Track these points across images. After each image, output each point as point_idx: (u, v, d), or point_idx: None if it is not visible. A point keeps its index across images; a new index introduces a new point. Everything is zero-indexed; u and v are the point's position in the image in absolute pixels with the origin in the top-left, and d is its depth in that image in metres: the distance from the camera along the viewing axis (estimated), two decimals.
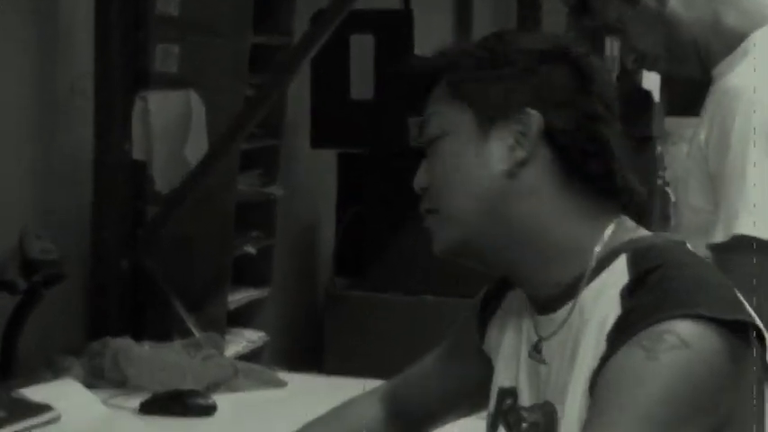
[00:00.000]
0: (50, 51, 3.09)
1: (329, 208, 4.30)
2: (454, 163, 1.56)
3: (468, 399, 1.75)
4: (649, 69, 2.35)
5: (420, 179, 1.60)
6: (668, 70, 2.22)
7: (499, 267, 1.60)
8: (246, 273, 3.63)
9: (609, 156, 1.52)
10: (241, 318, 3.62)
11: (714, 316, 1.38)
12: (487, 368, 1.67)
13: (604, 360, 1.41)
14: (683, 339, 1.37)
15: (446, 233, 1.57)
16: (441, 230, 1.58)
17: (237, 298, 3.56)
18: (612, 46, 4.41)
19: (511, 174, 1.51)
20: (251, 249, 3.59)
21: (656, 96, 5.90)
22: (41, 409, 2.44)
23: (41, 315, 2.78)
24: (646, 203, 1.57)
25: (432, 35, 4.43)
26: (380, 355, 3.45)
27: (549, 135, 1.51)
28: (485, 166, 1.52)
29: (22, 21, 2.98)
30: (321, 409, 1.88)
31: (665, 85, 5.74)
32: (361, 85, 3.92)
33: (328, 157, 4.20)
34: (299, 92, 3.89)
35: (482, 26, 5.71)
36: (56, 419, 2.44)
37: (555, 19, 5.20)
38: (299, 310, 4.33)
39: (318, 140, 4.05)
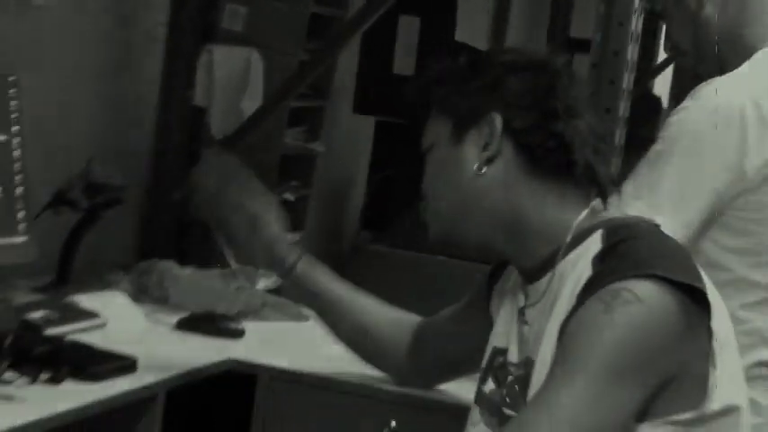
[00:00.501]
0: (131, 1, 3.22)
1: (363, 168, 4.45)
2: (437, 171, 1.71)
3: (475, 355, 1.81)
4: (679, 61, 2.47)
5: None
6: (694, 66, 2.26)
7: (484, 250, 1.72)
8: None
9: (568, 150, 1.61)
10: None
11: (667, 276, 1.46)
12: (491, 329, 1.78)
13: (571, 314, 1.51)
14: (638, 296, 1.45)
15: (432, 229, 1.74)
16: (430, 226, 1.74)
17: None
18: (633, 50, 4.55)
19: (481, 170, 1.64)
20: (290, 196, 3.77)
21: (666, 103, 6.02)
22: (89, 315, 2.49)
23: (100, 234, 2.85)
24: (611, 190, 1.66)
25: (473, 20, 4.52)
26: (397, 306, 3.66)
27: (512, 135, 1.63)
28: (461, 169, 1.66)
29: None
30: None
31: (675, 92, 5.82)
32: (405, 61, 4.07)
33: (367, 122, 4.35)
34: (347, 61, 4.02)
35: (519, 12, 5.77)
36: (101, 326, 2.48)
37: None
38: (326, 255, 4.40)
39: (360, 107, 4.20)
